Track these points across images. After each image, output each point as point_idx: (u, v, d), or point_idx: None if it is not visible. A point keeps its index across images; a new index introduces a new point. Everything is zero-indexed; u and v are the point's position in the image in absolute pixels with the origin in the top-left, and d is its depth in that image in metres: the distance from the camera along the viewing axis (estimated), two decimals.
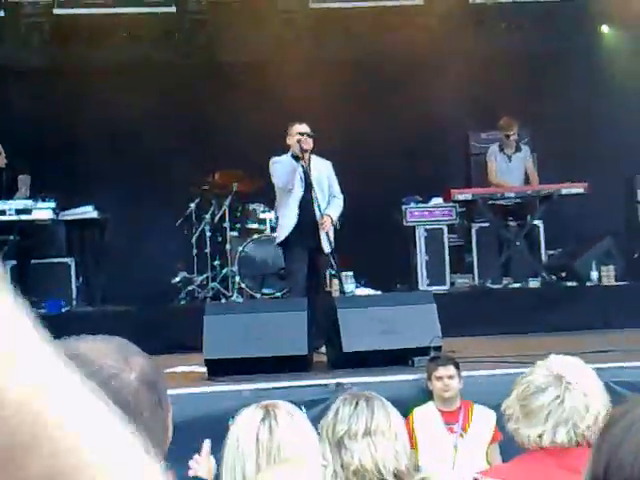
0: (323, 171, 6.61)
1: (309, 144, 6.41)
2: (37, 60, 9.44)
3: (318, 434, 2.18)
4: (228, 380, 5.18)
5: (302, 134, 6.42)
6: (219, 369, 5.35)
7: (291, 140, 6.49)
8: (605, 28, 9.89)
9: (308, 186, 6.40)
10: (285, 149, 6.58)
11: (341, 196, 6.66)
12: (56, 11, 9.19)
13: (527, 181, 8.50)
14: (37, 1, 9.12)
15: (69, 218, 8.09)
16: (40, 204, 7.45)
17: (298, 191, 6.40)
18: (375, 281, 8.59)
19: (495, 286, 8.16)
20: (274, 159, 6.54)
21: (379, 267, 9.03)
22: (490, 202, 8.18)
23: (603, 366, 5.07)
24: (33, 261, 7.97)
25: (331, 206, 6.55)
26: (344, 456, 2.30)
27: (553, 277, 8.13)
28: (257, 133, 8.40)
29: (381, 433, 2.29)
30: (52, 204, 7.53)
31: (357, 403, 2.35)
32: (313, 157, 6.50)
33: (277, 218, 6.91)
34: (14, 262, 7.86)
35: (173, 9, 9.39)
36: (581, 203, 8.18)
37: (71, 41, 9.48)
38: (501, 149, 8.55)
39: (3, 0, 8.97)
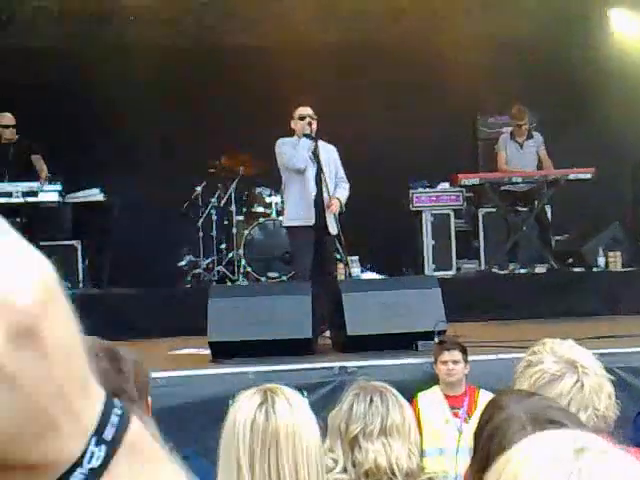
0: (330, 155, 6.59)
1: (313, 126, 6.39)
2: (44, 40, 9.41)
3: (324, 422, 2.15)
4: (232, 363, 5.19)
5: (304, 117, 6.40)
6: (223, 351, 5.36)
7: (295, 124, 6.47)
8: (614, 12, 9.81)
9: (318, 167, 6.38)
10: (290, 132, 6.55)
11: (347, 181, 6.65)
12: None
13: (540, 168, 8.42)
14: None
15: (76, 201, 8.09)
16: (47, 187, 7.45)
17: (310, 171, 6.38)
18: (382, 266, 8.58)
19: (501, 271, 8.14)
20: (281, 140, 6.52)
21: (386, 252, 9.02)
22: (497, 187, 8.15)
23: (609, 352, 5.06)
24: (40, 243, 7.98)
25: (339, 189, 6.55)
26: (357, 455, 2.26)
27: (560, 263, 8.09)
28: (263, 116, 8.37)
29: (397, 432, 2.25)
30: (58, 187, 7.53)
31: (372, 400, 2.29)
32: (319, 142, 6.48)
33: (282, 202, 6.89)
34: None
35: None
36: (588, 189, 8.14)
37: (78, 22, 9.44)
38: (512, 137, 8.48)
39: None
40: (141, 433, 0.59)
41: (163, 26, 9.49)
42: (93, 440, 0.56)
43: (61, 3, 9.24)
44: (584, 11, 9.60)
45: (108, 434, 0.57)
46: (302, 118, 6.42)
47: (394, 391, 2.34)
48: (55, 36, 9.46)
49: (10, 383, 0.53)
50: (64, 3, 9.26)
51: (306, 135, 6.40)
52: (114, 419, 0.58)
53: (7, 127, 7.80)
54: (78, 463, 0.56)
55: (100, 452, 0.56)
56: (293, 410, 1.91)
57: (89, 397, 0.57)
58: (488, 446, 1.50)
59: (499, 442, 1.44)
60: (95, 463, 0.56)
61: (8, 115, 7.85)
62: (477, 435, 1.65)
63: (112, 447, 0.57)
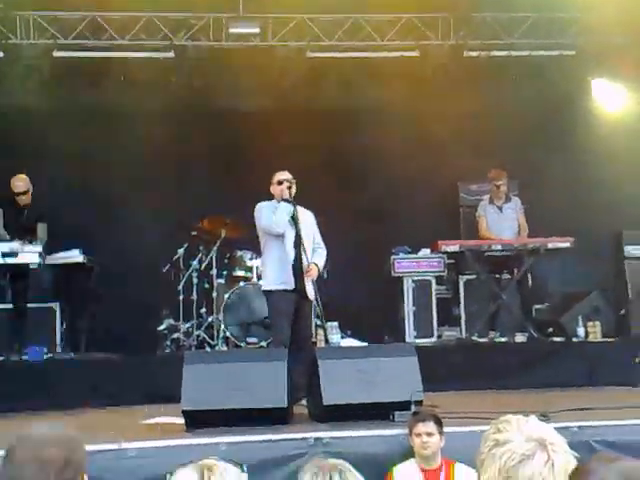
0: (308, 220, 6.63)
1: (292, 190, 6.44)
2: (35, 101, 9.50)
3: None
4: (205, 432, 5.11)
5: (281, 182, 6.45)
6: (197, 420, 5.27)
7: (274, 188, 6.52)
8: (595, 81, 10.00)
9: (296, 231, 6.40)
10: (269, 197, 6.59)
11: (324, 247, 6.69)
12: (56, 54, 9.27)
13: (519, 232, 8.50)
14: (37, 43, 9.22)
15: (56, 262, 8.05)
16: (27, 247, 7.42)
17: (289, 235, 6.40)
18: (362, 332, 8.54)
19: (481, 339, 8.11)
20: (260, 204, 6.56)
21: (367, 318, 9.00)
22: (478, 254, 8.18)
23: (585, 424, 5.03)
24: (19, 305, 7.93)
25: (316, 255, 6.58)
26: None
27: (540, 332, 8.08)
28: (247, 180, 8.42)
29: None
30: (39, 248, 7.50)
31: (330, 478, 2.26)
32: (298, 207, 6.52)
33: (262, 265, 6.88)
34: (10, 306, 7.89)
35: (172, 54, 9.48)
36: (568, 257, 8.17)
37: (70, 83, 9.53)
38: (491, 201, 8.60)
39: (3, 42, 9.04)
40: None
41: (154, 88, 9.60)
42: None
43: (52, 63, 9.32)
44: (567, 80, 9.77)
45: None
46: (280, 182, 6.47)
47: (351, 468, 2.31)
48: (46, 96, 9.55)
49: None
50: (55, 63, 9.34)
51: (285, 200, 6.44)
52: None
53: (23, 193, 7.83)
54: None
55: None
56: None
57: None
58: None
59: None
60: None
61: (21, 182, 7.86)
62: None
63: None
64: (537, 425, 2.08)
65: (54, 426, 1.91)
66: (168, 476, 1.84)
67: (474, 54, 9.70)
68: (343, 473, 2.27)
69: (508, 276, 8.29)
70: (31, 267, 7.53)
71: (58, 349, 7.96)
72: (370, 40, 9.55)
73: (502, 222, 8.49)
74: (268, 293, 6.52)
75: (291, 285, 6.37)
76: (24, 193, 7.88)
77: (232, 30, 9.39)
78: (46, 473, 1.81)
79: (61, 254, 8.08)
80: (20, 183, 7.87)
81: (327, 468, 2.31)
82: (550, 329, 8.36)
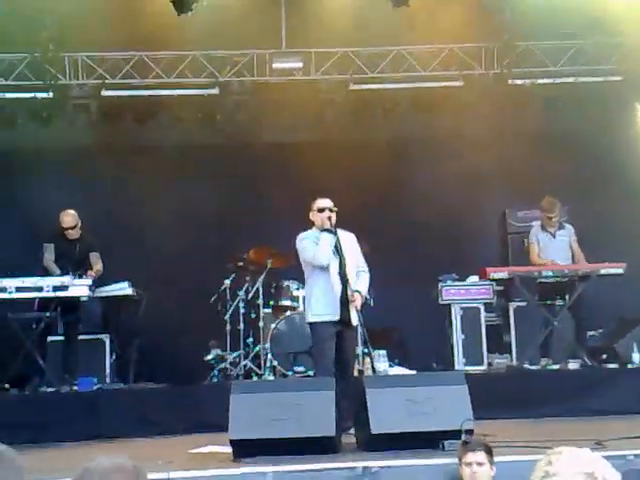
0: (350, 244, 6.50)
1: (333, 219, 6.36)
2: (84, 139, 9.69)
3: None
4: (253, 461, 5.07)
5: (323, 209, 6.37)
6: (244, 450, 5.24)
7: (314, 215, 6.44)
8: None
9: (341, 260, 6.31)
10: (309, 225, 6.50)
11: (367, 270, 6.56)
12: (104, 93, 9.46)
13: (572, 259, 8.33)
14: (85, 83, 9.42)
15: (105, 295, 8.16)
16: (77, 281, 7.53)
17: (333, 265, 6.30)
18: (411, 360, 8.45)
19: (533, 367, 7.96)
20: (302, 234, 6.44)
21: (415, 346, 8.91)
22: (528, 280, 8.05)
23: None
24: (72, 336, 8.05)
25: (360, 281, 6.44)
26: None
27: (593, 359, 7.90)
28: (294, 211, 8.44)
29: None
30: (89, 281, 7.61)
31: None
32: (339, 230, 6.44)
33: (305, 296, 6.82)
34: (62, 338, 8.02)
35: (216, 91, 9.60)
36: (621, 283, 8.00)
37: (117, 122, 9.71)
38: (543, 228, 8.43)
39: (52, 82, 9.25)
40: None
41: (199, 124, 9.72)
42: None
43: (99, 103, 9.50)
44: (612, 105, 9.65)
45: None
46: (321, 210, 6.36)
47: None
48: (94, 135, 9.74)
49: None
50: (102, 102, 9.52)
51: (326, 229, 6.35)
52: None
53: (72, 228, 8.01)
54: None
55: None
56: None
57: None
58: None
59: None
60: None
61: (70, 217, 8.04)
62: None
63: None
64: (589, 458, 2.02)
65: (117, 457, 1.95)
66: None
67: (519, 82, 9.64)
68: None
69: (560, 303, 8.14)
70: (81, 300, 7.65)
71: (107, 380, 8.03)
72: (412, 71, 9.56)
73: (555, 249, 8.31)
74: (312, 324, 6.43)
75: (336, 316, 6.27)
76: (72, 228, 8.04)
77: (276, 65, 9.49)
78: None
79: (110, 287, 8.19)
80: (68, 218, 8.04)
81: None
82: (604, 355, 8.17)
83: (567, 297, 8.04)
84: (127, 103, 9.61)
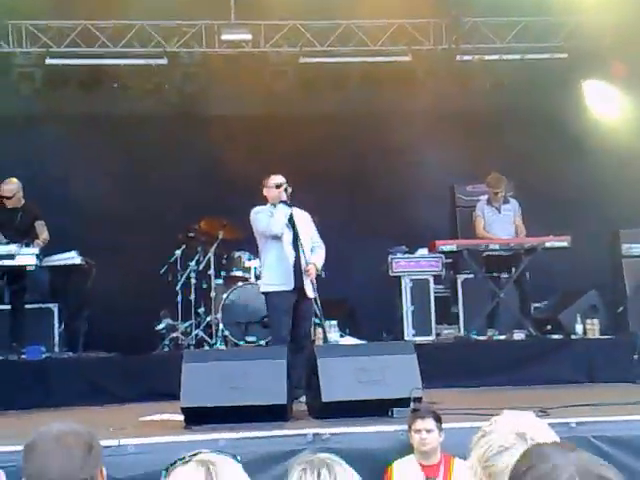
0: (305, 220, 6.66)
1: (288, 193, 6.48)
2: (28, 108, 9.50)
3: None
4: (205, 429, 5.10)
5: (280, 185, 6.48)
6: (196, 417, 5.27)
7: (269, 191, 6.55)
8: (588, 83, 10.03)
9: (294, 232, 6.43)
10: (263, 201, 6.61)
11: (323, 245, 6.70)
12: (48, 61, 9.28)
13: (516, 234, 8.50)
14: (29, 51, 9.22)
15: (53, 264, 8.06)
16: (24, 250, 7.43)
17: (287, 236, 6.42)
18: (361, 330, 8.55)
19: (480, 337, 8.12)
20: (256, 208, 6.59)
21: (366, 316, 9.01)
22: (475, 253, 8.19)
23: (584, 420, 5.04)
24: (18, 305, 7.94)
25: (315, 254, 6.60)
26: None
27: (538, 330, 8.09)
28: (244, 183, 8.44)
29: None
30: (36, 250, 7.51)
31: (319, 473, 2.20)
32: (294, 208, 6.55)
33: (260, 266, 6.90)
34: (8, 307, 7.90)
35: (165, 61, 9.49)
36: (566, 256, 8.19)
37: (63, 90, 9.53)
38: (489, 202, 8.59)
39: None
40: None
41: (147, 94, 9.60)
42: None
43: (44, 71, 9.31)
44: (559, 83, 9.80)
45: None
46: (278, 186, 6.50)
47: (342, 462, 2.26)
48: (38, 103, 9.55)
49: None
50: (47, 71, 9.33)
51: (282, 202, 6.48)
52: None
53: (8, 198, 7.87)
54: None
55: None
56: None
57: None
58: None
59: None
60: None
61: (8, 186, 7.90)
62: None
63: None
64: (525, 420, 2.08)
65: (70, 423, 1.97)
66: (164, 473, 1.75)
67: (466, 58, 9.72)
68: (332, 467, 2.21)
69: (506, 275, 8.30)
70: (28, 269, 7.55)
71: (56, 349, 7.96)
72: (362, 46, 9.56)
73: (500, 223, 8.48)
74: (267, 294, 6.53)
75: (290, 285, 6.39)
76: (9, 197, 7.91)
77: (224, 37, 9.41)
78: (72, 459, 1.84)
79: (58, 256, 8.09)
80: (7, 186, 7.91)
81: (316, 463, 2.24)
82: (548, 327, 8.37)
83: (513, 269, 8.20)
84: (72, 71, 9.44)
